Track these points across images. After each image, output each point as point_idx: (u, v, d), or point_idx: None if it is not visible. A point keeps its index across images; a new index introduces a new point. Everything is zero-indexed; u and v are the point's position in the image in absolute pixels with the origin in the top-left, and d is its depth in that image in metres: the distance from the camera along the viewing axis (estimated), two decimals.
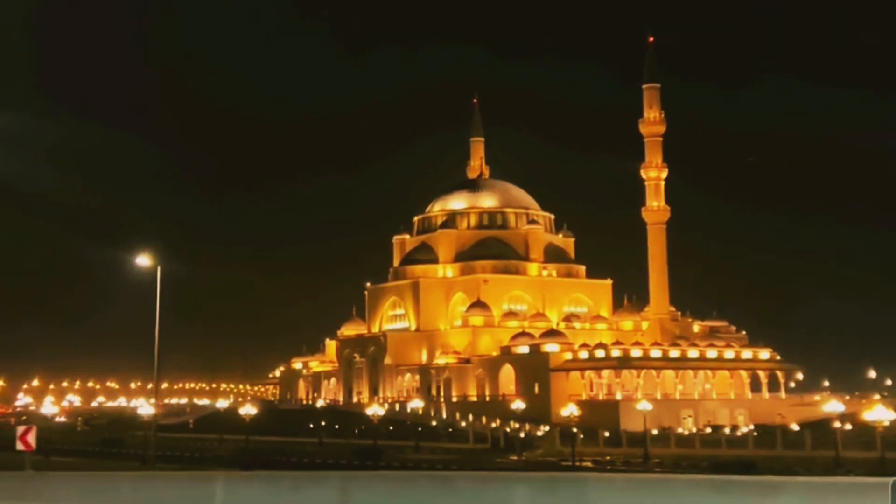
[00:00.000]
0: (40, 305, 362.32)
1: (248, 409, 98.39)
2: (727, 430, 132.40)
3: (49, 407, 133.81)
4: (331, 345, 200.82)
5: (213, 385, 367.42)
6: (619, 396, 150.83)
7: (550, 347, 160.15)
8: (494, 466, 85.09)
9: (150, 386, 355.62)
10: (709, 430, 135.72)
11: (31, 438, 23.99)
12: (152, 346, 46.46)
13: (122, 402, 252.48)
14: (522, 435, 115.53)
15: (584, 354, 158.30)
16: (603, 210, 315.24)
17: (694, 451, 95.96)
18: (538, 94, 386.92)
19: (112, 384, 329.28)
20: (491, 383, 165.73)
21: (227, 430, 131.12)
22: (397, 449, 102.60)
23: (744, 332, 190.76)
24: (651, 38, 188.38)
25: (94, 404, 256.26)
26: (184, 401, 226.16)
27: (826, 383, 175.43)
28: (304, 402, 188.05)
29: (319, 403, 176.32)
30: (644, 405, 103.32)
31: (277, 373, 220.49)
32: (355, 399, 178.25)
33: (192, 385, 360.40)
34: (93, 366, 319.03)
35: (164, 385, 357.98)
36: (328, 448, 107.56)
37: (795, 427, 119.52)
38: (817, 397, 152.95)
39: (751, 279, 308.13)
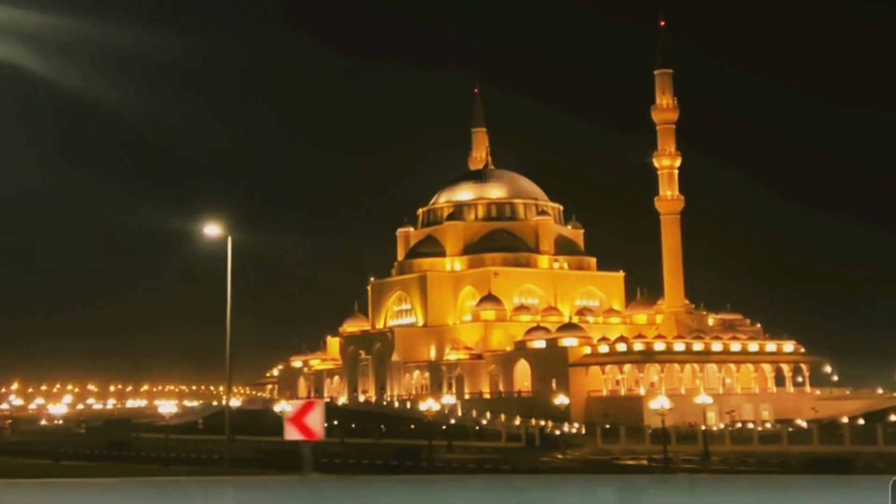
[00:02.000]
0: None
1: (284, 406, 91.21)
2: (750, 426, 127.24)
3: (60, 408, 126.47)
4: (332, 342, 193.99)
5: (203, 387, 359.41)
6: (642, 391, 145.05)
7: (568, 342, 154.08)
8: (549, 467, 78.84)
9: (129, 388, 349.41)
10: (738, 425, 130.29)
11: (316, 420, 15.77)
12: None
13: (111, 404, 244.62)
14: (558, 433, 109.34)
15: (604, 348, 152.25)
16: (610, 200, 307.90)
17: (753, 447, 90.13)
18: (544, 82, 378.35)
19: (92, 387, 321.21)
20: (505, 379, 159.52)
21: (236, 431, 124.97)
22: (429, 449, 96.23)
23: (759, 325, 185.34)
24: (662, 22, 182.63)
25: (80, 407, 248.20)
26: (195, 403, 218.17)
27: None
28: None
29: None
30: (704, 398, 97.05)
31: (276, 371, 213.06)
32: (362, 398, 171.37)
33: (177, 387, 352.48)
34: (71, 369, 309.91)
35: (145, 387, 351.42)
36: (351, 448, 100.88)
37: (845, 420, 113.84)
38: (847, 391, 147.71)
39: (767, 270, 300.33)
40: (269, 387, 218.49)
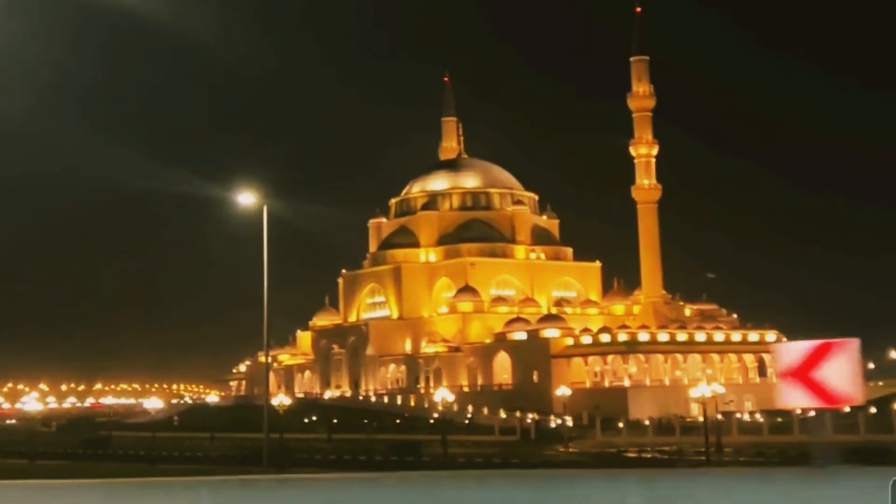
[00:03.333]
0: None
1: (283, 399, 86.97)
2: (739, 416, 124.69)
3: (33, 404, 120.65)
4: (303, 336, 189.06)
5: (165, 385, 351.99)
6: (627, 383, 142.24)
7: (550, 333, 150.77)
8: (560, 461, 75.27)
9: (81, 387, 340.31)
10: (719, 416, 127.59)
11: (843, 372, 10.21)
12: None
13: (71, 401, 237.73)
14: (553, 426, 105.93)
15: (587, 339, 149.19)
16: (582, 189, 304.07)
17: (762, 438, 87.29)
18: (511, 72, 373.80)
19: (43, 386, 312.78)
20: (484, 372, 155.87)
21: (211, 428, 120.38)
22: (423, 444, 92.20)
23: (735, 315, 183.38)
24: (639, 9, 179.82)
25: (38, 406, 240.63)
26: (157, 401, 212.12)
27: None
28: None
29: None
30: (716, 387, 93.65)
31: (242, 368, 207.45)
32: (338, 393, 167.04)
33: (131, 385, 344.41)
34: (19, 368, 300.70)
35: (98, 385, 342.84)
36: (342, 444, 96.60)
37: (847, 409, 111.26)
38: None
39: (742, 259, 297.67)
40: (235, 383, 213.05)
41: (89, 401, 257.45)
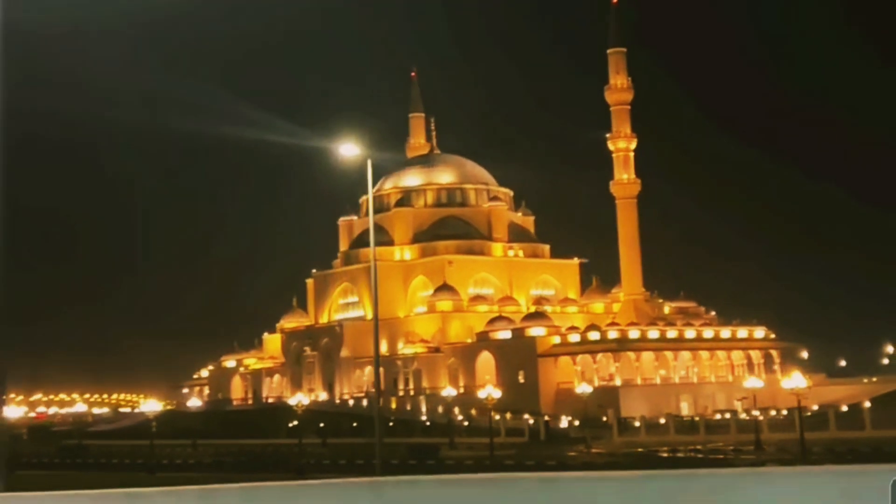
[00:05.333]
0: None
1: (301, 398, 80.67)
2: (728, 415, 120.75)
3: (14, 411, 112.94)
4: (271, 339, 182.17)
5: (105, 396, 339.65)
6: (618, 382, 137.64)
7: (536, 331, 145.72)
8: (604, 462, 70.06)
9: (32, 398, 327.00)
10: (717, 416, 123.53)
11: None
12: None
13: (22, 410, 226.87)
14: (563, 426, 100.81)
15: (574, 337, 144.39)
16: (557, 185, 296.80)
17: (795, 435, 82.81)
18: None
19: None
20: (466, 373, 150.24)
21: (187, 435, 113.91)
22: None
23: (713, 313, 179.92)
24: (615, 1, 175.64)
25: None
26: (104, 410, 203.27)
27: (843, 363, 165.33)
28: (267, 400, 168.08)
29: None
30: (755, 382, 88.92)
31: (205, 373, 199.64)
32: (312, 397, 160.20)
33: (70, 395, 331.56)
34: None
35: (38, 395, 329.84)
36: (342, 449, 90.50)
37: (845, 408, 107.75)
38: (829, 378, 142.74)
39: (720, 255, 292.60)
40: (197, 389, 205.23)
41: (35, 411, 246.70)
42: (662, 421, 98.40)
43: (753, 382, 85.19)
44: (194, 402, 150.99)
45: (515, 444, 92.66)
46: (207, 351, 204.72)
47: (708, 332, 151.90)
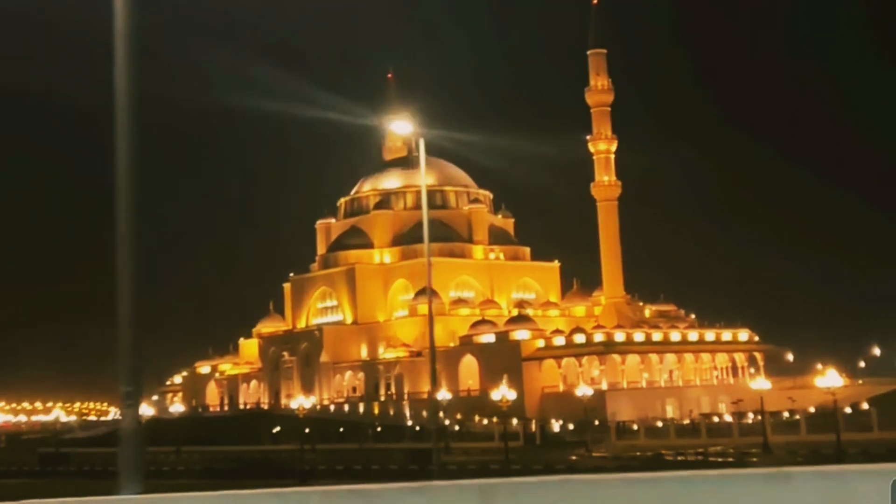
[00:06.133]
0: None
1: (302, 401, 77.93)
2: (718, 418, 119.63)
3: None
4: (247, 344, 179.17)
5: (69, 403, 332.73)
6: (604, 385, 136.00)
7: (520, 335, 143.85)
8: (615, 465, 68.18)
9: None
10: (705, 419, 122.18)
11: None
12: None
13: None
14: (556, 430, 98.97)
15: (559, 340, 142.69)
16: (536, 187, 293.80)
17: (801, 437, 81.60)
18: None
19: None
20: (449, 377, 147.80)
21: (169, 441, 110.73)
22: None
23: (693, 316, 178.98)
24: (595, 1, 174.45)
25: None
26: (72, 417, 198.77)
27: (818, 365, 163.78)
28: (246, 406, 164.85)
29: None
30: (762, 383, 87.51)
31: (178, 379, 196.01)
32: (287, 402, 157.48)
33: (33, 404, 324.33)
34: None
35: (1, 403, 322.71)
36: (336, 455, 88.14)
37: (848, 410, 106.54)
38: (816, 379, 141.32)
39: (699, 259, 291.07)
40: (170, 395, 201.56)
41: None
42: (660, 424, 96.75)
43: (760, 384, 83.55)
44: (177, 408, 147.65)
45: (512, 448, 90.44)
46: (180, 357, 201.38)
47: (693, 335, 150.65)
